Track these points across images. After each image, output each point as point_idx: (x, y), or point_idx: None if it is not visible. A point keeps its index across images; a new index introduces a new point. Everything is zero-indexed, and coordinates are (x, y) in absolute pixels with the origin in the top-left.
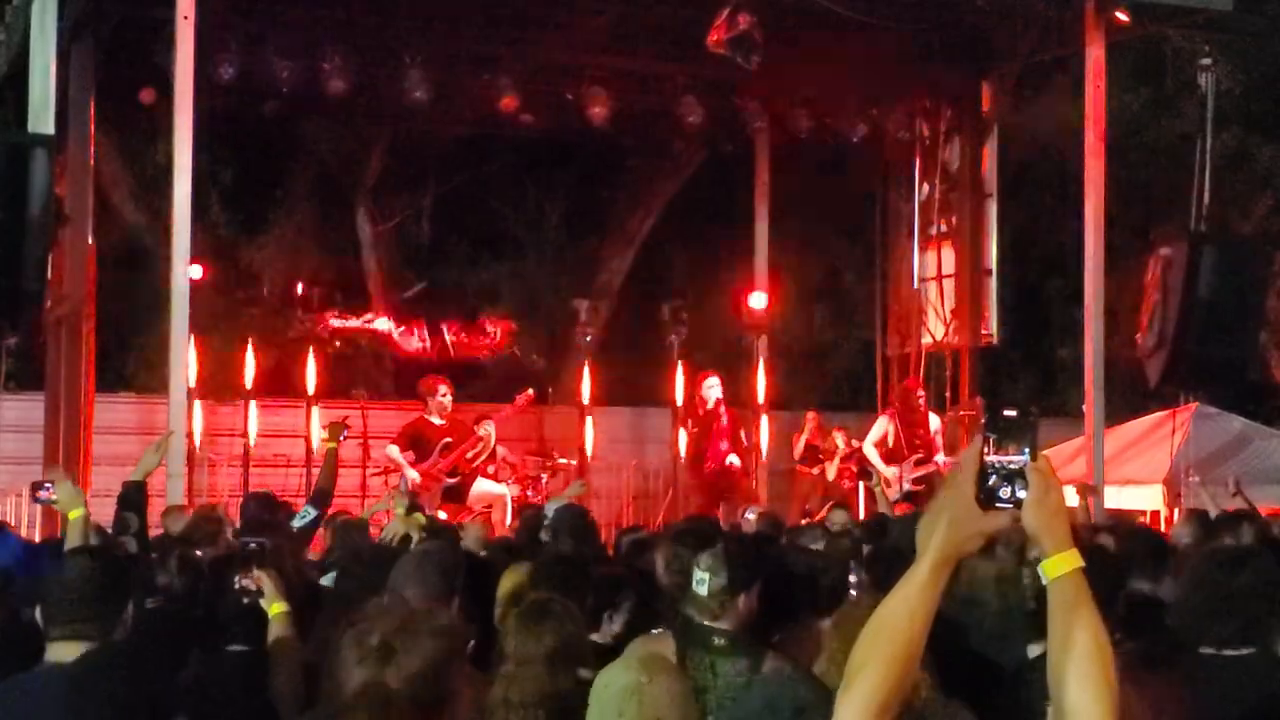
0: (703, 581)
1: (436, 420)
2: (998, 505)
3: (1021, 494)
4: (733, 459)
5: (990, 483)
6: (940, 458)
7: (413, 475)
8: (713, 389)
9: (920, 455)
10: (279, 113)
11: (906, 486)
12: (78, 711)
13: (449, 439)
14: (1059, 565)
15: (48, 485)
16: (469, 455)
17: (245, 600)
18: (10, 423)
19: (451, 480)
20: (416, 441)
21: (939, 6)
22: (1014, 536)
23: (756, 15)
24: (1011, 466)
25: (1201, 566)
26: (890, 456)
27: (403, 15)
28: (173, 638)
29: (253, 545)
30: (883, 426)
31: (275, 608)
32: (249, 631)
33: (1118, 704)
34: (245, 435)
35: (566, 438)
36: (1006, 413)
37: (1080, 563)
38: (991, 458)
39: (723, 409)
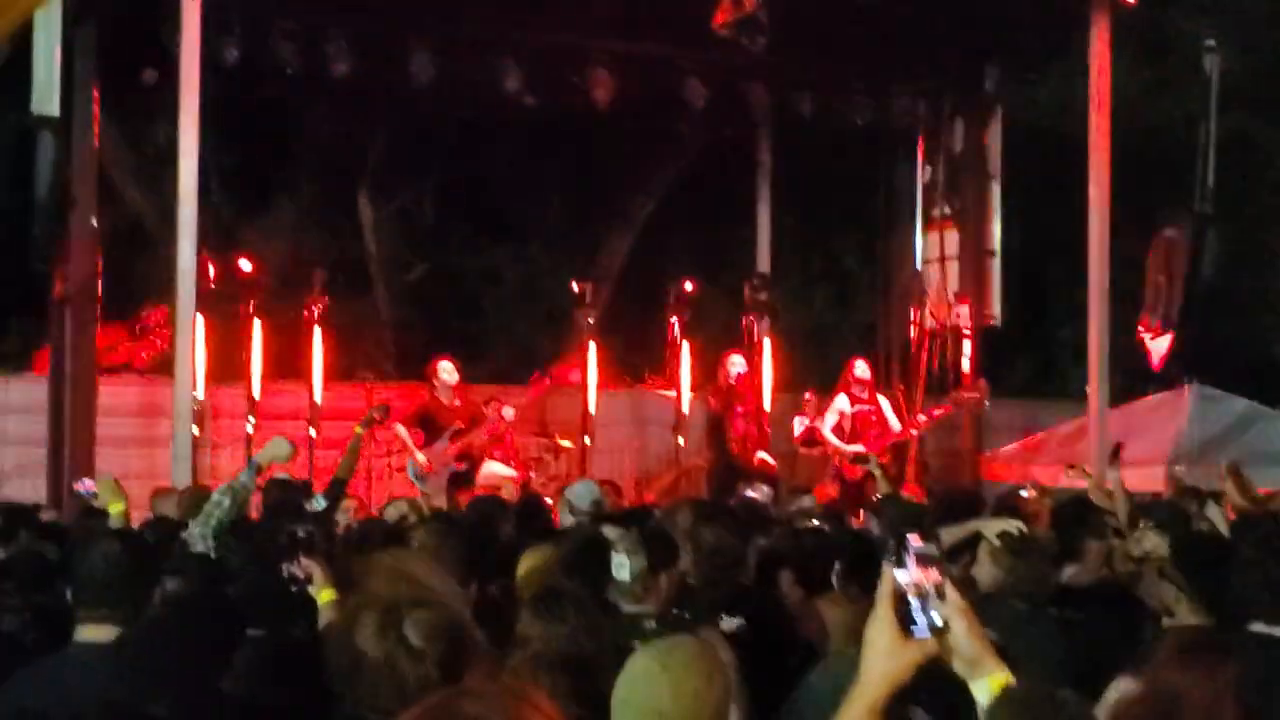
0: (623, 566)
1: (445, 400)
2: (915, 635)
3: (936, 619)
4: (763, 455)
5: (906, 612)
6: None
7: (420, 458)
8: (735, 366)
9: (877, 431)
10: (282, 95)
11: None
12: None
13: (459, 425)
14: (998, 682)
15: (87, 479)
16: (479, 442)
17: (294, 588)
18: (16, 405)
19: (459, 467)
20: (426, 421)
21: None
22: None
23: None
24: (924, 593)
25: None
26: (850, 436)
27: None
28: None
29: (300, 533)
30: (837, 408)
31: (325, 594)
32: (270, 615)
33: None
34: (248, 418)
35: (568, 420)
36: (915, 545)
37: (1010, 676)
38: (903, 576)
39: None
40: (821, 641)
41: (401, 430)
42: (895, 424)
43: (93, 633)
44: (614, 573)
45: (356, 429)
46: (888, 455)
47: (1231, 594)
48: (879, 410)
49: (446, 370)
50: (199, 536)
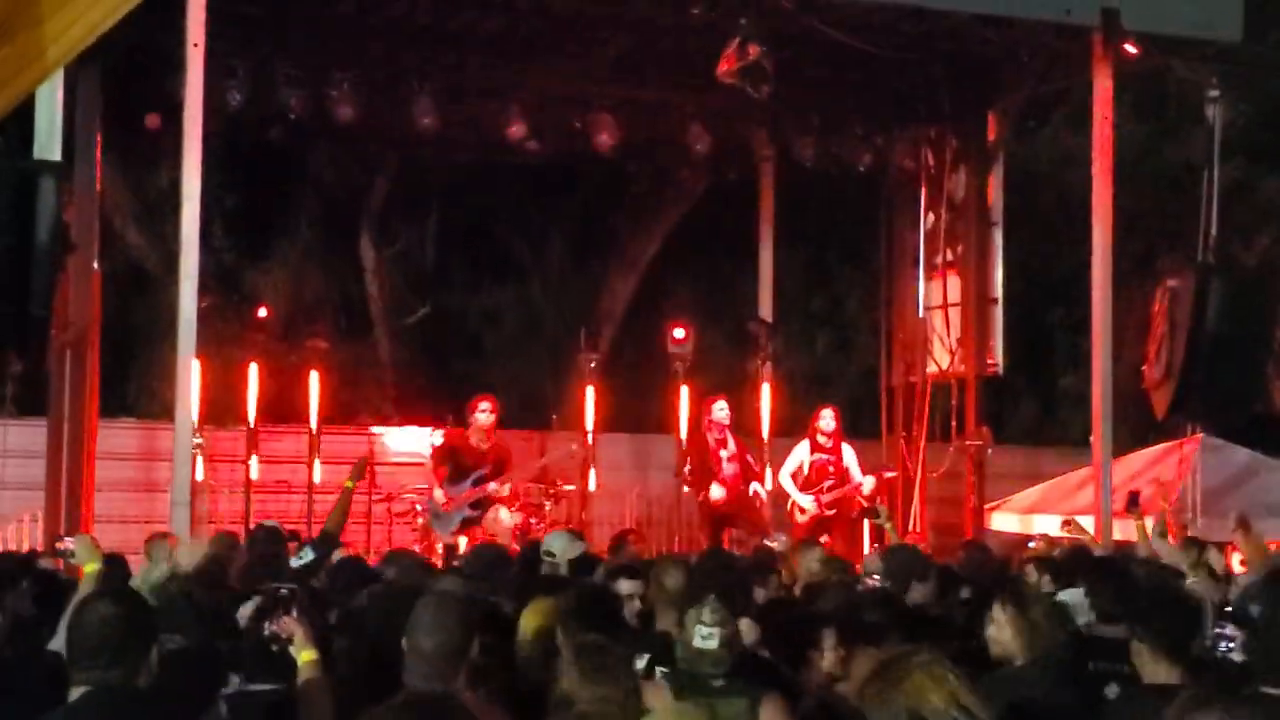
0: (711, 636)
1: (475, 441)
2: None
3: None
4: (756, 487)
5: None
6: (864, 480)
7: (439, 496)
8: (722, 411)
9: (832, 481)
10: (285, 139)
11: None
12: None
13: (484, 470)
14: None
15: (68, 538)
16: (494, 488)
17: (274, 647)
18: (14, 448)
19: (473, 512)
20: (452, 459)
21: (946, 37)
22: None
23: (766, 45)
24: None
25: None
26: (806, 484)
27: (412, 43)
28: (192, 677)
29: (283, 591)
30: (798, 456)
31: (305, 655)
32: (274, 669)
33: None
34: (247, 461)
35: (569, 464)
36: None
37: None
38: None
39: (729, 434)
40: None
41: (428, 465)
42: (857, 476)
43: None
44: (698, 642)
45: (346, 483)
46: (830, 506)
47: (1258, 654)
48: (839, 461)
49: (483, 410)
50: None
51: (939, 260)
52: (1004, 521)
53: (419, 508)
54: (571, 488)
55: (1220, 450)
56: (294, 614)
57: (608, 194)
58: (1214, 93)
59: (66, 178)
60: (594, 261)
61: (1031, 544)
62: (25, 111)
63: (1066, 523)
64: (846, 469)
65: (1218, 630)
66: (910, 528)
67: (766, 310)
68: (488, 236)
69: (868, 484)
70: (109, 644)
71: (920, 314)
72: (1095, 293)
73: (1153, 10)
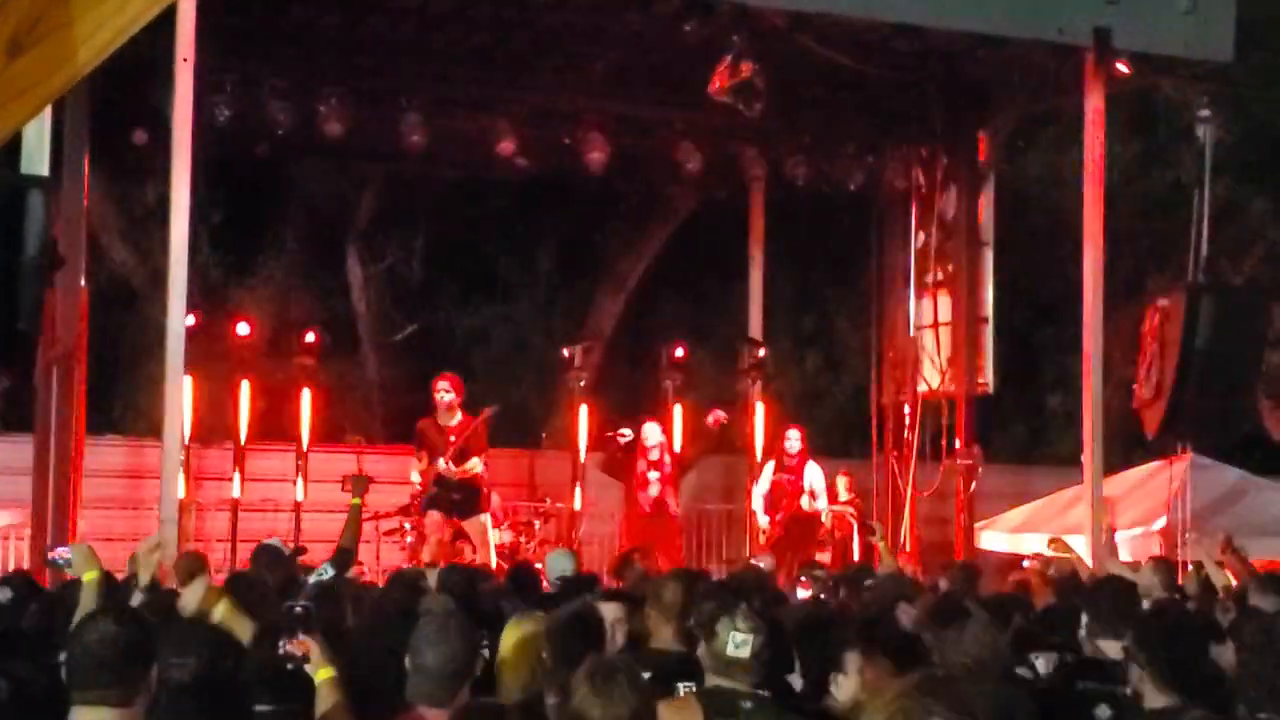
0: (745, 644)
1: (443, 420)
2: None
3: None
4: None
5: None
6: (809, 502)
7: (414, 478)
8: (652, 434)
9: (788, 503)
10: (272, 154)
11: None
12: None
13: (451, 440)
14: None
15: (61, 548)
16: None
17: (290, 665)
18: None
19: (437, 490)
20: (423, 444)
21: (938, 56)
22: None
23: (758, 63)
24: None
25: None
26: (769, 504)
27: (401, 58)
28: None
29: (298, 609)
30: (766, 476)
31: (323, 672)
32: (277, 690)
33: None
34: (234, 480)
35: (558, 483)
36: None
37: None
38: None
39: (666, 455)
40: None
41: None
42: (821, 494)
43: (88, 715)
44: (730, 650)
45: (353, 500)
46: (781, 526)
47: (1249, 681)
48: (798, 482)
49: (440, 391)
50: None
51: (929, 279)
52: (994, 540)
53: (407, 526)
54: (563, 505)
55: (1210, 470)
56: (311, 631)
57: (597, 211)
58: (1204, 113)
59: (54, 193)
60: (583, 279)
61: (1025, 563)
62: None
63: (1052, 541)
64: (811, 489)
65: None
66: (901, 546)
67: (756, 329)
68: (476, 254)
69: (824, 511)
70: (109, 663)
71: (911, 333)
72: (1086, 312)
73: (1145, 30)
